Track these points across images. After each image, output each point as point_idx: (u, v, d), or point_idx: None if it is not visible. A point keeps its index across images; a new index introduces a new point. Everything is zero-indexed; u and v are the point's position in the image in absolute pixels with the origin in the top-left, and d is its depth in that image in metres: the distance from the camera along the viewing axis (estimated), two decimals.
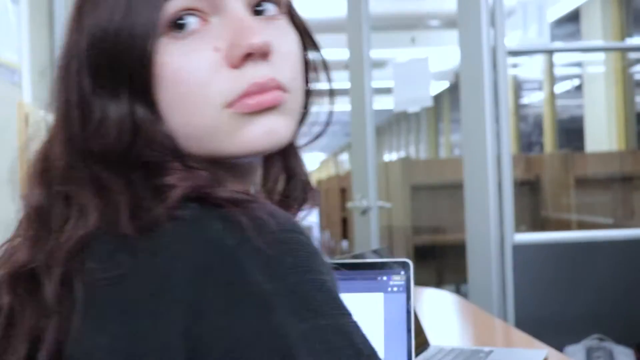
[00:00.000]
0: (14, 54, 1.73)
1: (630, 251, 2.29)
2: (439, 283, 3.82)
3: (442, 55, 7.34)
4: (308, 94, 0.55)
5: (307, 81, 0.54)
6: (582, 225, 3.56)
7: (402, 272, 0.73)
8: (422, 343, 1.14)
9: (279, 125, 0.47)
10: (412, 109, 2.74)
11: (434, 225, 3.95)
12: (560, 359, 1.14)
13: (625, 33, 4.81)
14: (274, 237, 0.41)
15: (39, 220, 0.46)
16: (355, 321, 0.42)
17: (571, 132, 6.03)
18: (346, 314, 0.42)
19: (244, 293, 0.39)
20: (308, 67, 0.54)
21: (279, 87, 0.47)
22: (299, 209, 0.57)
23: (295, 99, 0.49)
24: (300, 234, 0.42)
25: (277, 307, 0.39)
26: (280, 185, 0.56)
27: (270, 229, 0.41)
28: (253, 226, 0.41)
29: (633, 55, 4.88)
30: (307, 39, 0.53)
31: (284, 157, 0.56)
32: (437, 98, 9.41)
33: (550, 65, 5.80)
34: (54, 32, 2.35)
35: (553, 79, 5.86)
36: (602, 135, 4.93)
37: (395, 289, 0.72)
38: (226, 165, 0.49)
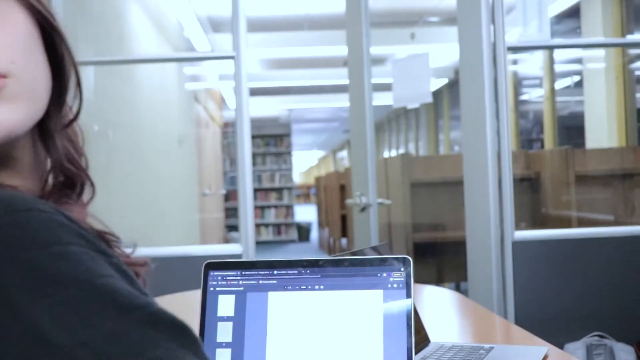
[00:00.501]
0: None
1: (630, 248, 2.28)
2: (438, 281, 3.81)
3: (440, 52, 7.33)
4: (59, 75, 0.55)
5: (61, 64, 0.54)
6: (582, 222, 3.55)
7: (402, 269, 0.72)
8: (422, 340, 1.13)
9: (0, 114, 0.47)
10: (412, 105, 2.73)
11: (433, 222, 3.94)
12: (560, 356, 1.13)
13: (625, 29, 4.80)
14: None
15: None
16: (115, 282, 0.41)
17: (571, 129, 6.03)
18: (103, 275, 0.40)
19: None
20: (57, 48, 0.54)
21: None
22: (77, 195, 0.57)
23: (22, 82, 0.49)
24: (29, 211, 0.41)
25: (13, 290, 0.37)
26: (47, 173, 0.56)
27: None
28: None
29: (633, 52, 4.87)
30: (43, 20, 0.53)
31: (43, 143, 0.55)
32: (437, 95, 9.40)
33: (551, 61, 5.79)
34: None
35: (553, 75, 5.85)
36: (603, 131, 4.92)
37: (395, 285, 0.72)
38: None
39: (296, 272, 0.74)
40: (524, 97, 7.03)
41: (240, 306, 0.74)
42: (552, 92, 5.82)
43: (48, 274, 0.39)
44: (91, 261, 0.41)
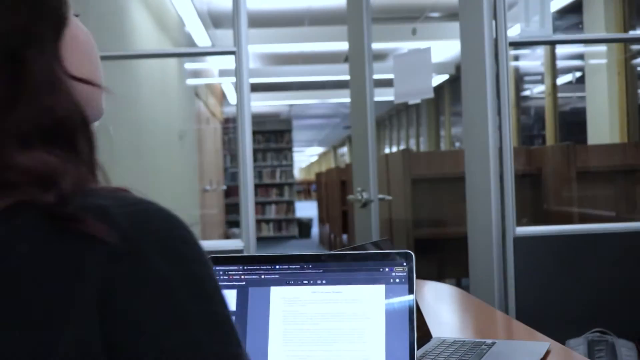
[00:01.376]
0: None
1: (632, 244, 2.28)
2: (439, 277, 3.81)
3: (442, 47, 7.32)
4: None
5: None
6: (584, 218, 3.55)
7: (404, 264, 0.72)
8: (424, 335, 1.13)
9: None
10: (413, 101, 2.72)
11: (434, 218, 3.93)
12: (562, 352, 1.13)
13: (627, 25, 4.79)
14: (170, 232, 0.45)
15: None
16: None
17: (573, 125, 6.02)
18: (227, 304, 0.46)
19: (147, 278, 0.43)
20: None
21: None
22: None
23: None
24: (187, 230, 0.47)
25: (180, 295, 0.43)
26: None
27: (167, 224, 0.46)
28: (151, 219, 0.46)
29: (635, 47, 4.85)
30: None
31: None
32: (438, 91, 9.38)
33: (552, 57, 5.77)
34: None
35: (555, 71, 5.83)
36: (604, 127, 4.91)
37: (397, 280, 0.71)
38: None
39: (298, 266, 0.74)
40: (525, 93, 7.02)
41: (242, 301, 0.74)
42: (554, 88, 5.80)
43: (206, 288, 0.45)
44: (219, 286, 0.47)
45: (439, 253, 3.87)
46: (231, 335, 0.45)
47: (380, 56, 7.68)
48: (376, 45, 2.80)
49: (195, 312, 0.43)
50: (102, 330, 0.41)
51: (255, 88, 9.57)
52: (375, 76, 2.62)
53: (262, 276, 0.74)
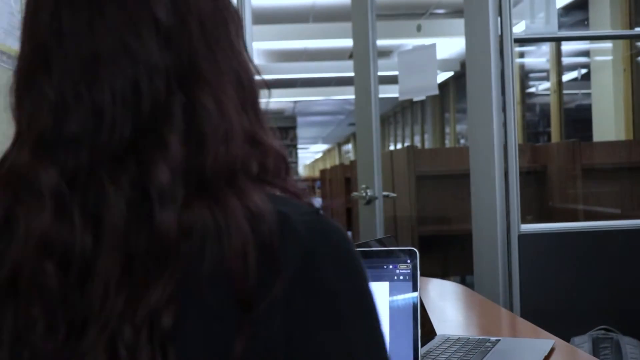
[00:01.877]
0: (17, 42, 1.72)
1: (637, 241, 2.27)
2: (444, 274, 3.80)
3: (447, 44, 7.30)
4: None
5: None
6: (589, 216, 3.54)
7: (409, 261, 0.72)
8: (428, 332, 1.13)
9: None
10: (418, 97, 2.72)
11: (439, 215, 3.93)
12: (567, 350, 1.13)
13: (633, 21, 4.76)
14: (342, 245, 0.48)
15: None
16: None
17: (578, 122, 6.00)
18: (380, 318, 0.48)
19: (319, 289, 0.45)
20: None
21: None
22: None
23: None
24: (353, 243, 0.49)
25: (343, 304, 0.45)
26: None
27: (339, 237, 0.48)
28: (326, 231, 0.48)
29: None
30: None
31: None
32: (443, 87, 9.36)
33: (558, 53, 5.75)
34: None
35: (560, 68, 5.81)
36: (610, 124, 4.90)
37: (401, 277, 0.71)
38: None
39: None
40: (530, 90, 7.00)
41: None
42: (559, 84, 5.78)
43: (368, 303, 0.47)
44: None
45: (444, 250, 3.86)
46: (384, 350, 0.47)
47: (385, 53, 7.67)
48: (381, 42, 2.80)
49: (358, 327, 0.46)
50: (284, 330, 0.44)
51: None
52: (380, 73, 2.62)
53: None
